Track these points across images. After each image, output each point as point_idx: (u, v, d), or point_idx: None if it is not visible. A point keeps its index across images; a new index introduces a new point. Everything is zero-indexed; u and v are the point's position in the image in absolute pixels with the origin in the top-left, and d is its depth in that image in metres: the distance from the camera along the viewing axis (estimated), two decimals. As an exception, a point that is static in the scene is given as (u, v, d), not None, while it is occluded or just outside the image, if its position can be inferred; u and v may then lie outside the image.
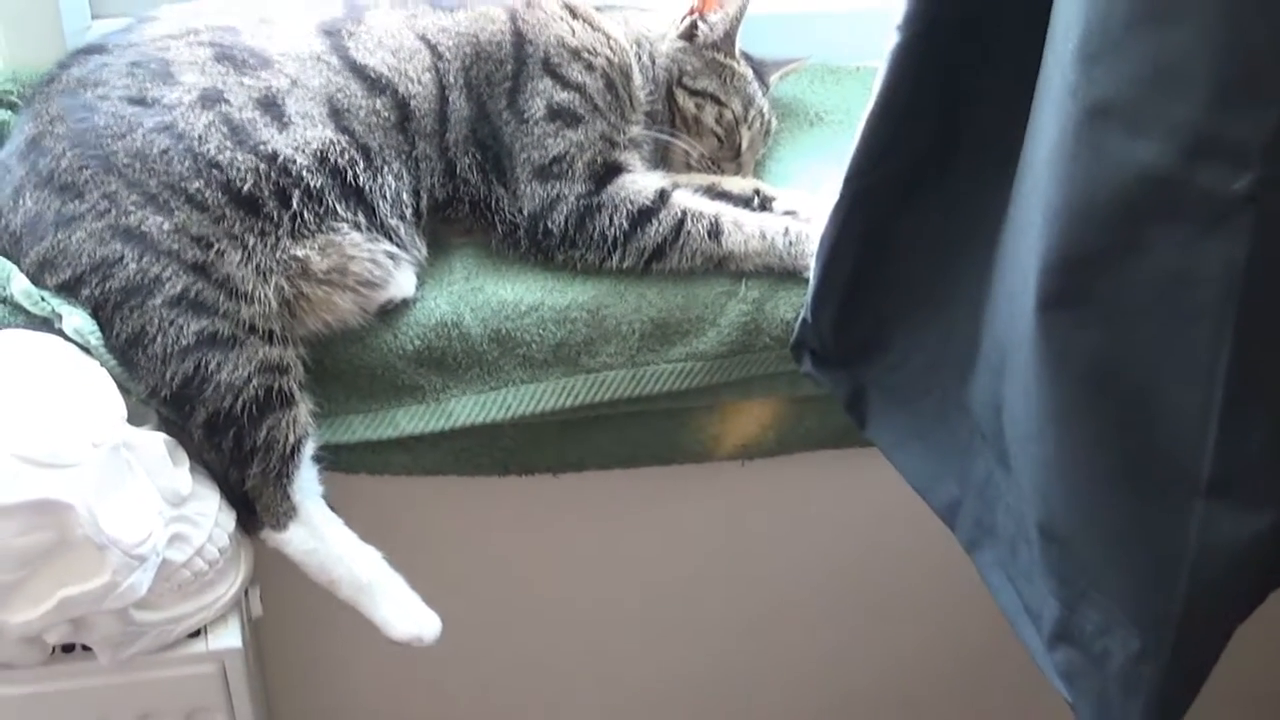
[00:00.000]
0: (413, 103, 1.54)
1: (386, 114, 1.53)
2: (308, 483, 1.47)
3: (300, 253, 1.45)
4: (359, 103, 1.51)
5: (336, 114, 1.49)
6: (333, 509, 1.48)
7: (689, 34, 1.73)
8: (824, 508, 1.85)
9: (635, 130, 1.65)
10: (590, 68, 1.62)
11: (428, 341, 1.54)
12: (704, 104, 1.70)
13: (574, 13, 1.67)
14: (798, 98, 1.88)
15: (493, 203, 1.59)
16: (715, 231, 1.58)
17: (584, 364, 1.57)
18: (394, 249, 1.53)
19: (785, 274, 1.60)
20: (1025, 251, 1.18)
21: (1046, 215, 1.12)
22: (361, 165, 1.49)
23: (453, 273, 1.60)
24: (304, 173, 1.45)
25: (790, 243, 1.58)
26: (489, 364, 1.56)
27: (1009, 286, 1.25)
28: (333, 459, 1.52)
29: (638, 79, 1.68)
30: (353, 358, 1.53)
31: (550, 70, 1.61)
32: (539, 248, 1.59)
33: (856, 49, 1.93)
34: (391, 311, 1.55)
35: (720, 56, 1.72)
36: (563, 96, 1.60)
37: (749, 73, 1.74)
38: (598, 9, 1.73)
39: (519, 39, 1.62)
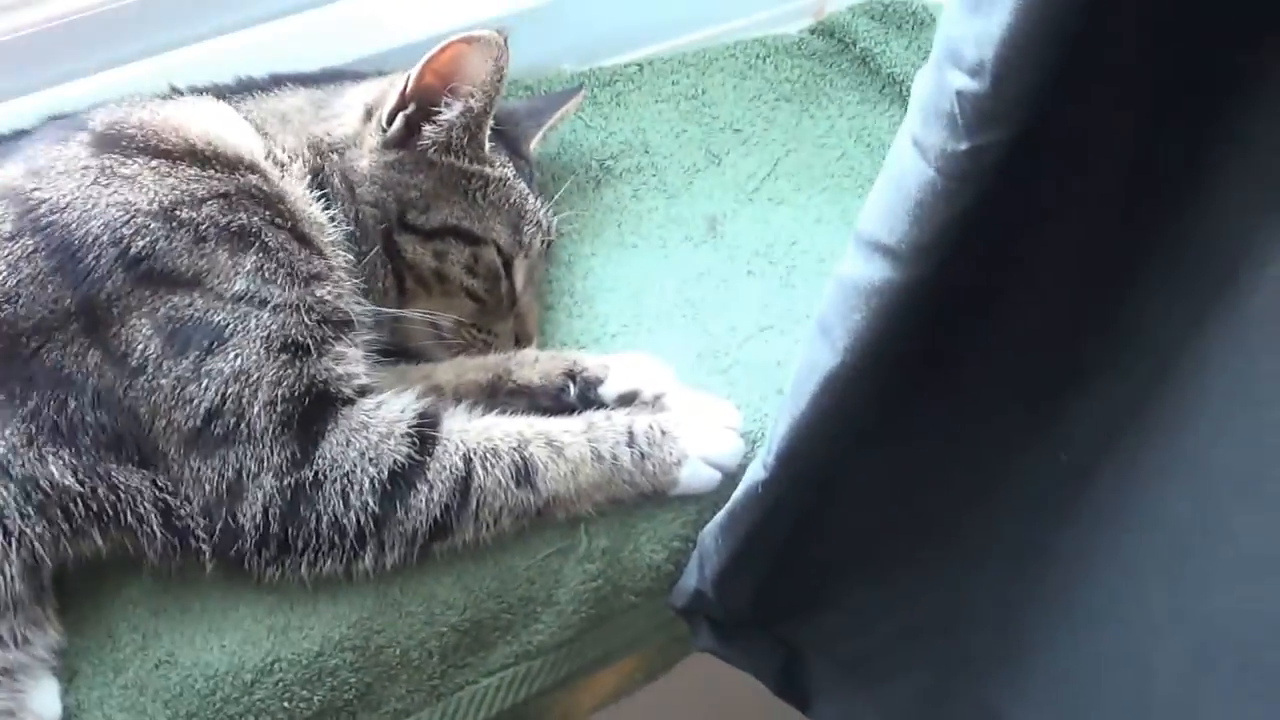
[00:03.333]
0: None
1: None
2: None
3: None
4: None
5: None
6: None
7: (402, 139, 1.04)
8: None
9: (330, 294, 0.99)
10: (204, 234, 0.95)
11: (108, 784, 0.93)
12: (447, 249, 1.06)
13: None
14: (564, 142, 1.23)
15: (122, 508, 0.92)
16: (524, 473, 0.99)
17: (366, 723, 1.00)
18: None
19: (640, 498, 1.03)
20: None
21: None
22: None
23: (117, 643, 0.96)
24: None
25: (640, 455, 1.01)
26: (215, 780, 0.97)
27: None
28: None
29: (314, 214, 1.01)
30: None
31: (135, 270, 0.92)
32: (233, 561, 0.95)
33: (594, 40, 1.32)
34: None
35: (463, 162, 1.06)
36: (176, 305, 0.92)
37: (509, 168, 1.08)
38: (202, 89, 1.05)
39: (52, 242, 0.92)
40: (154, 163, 0.97)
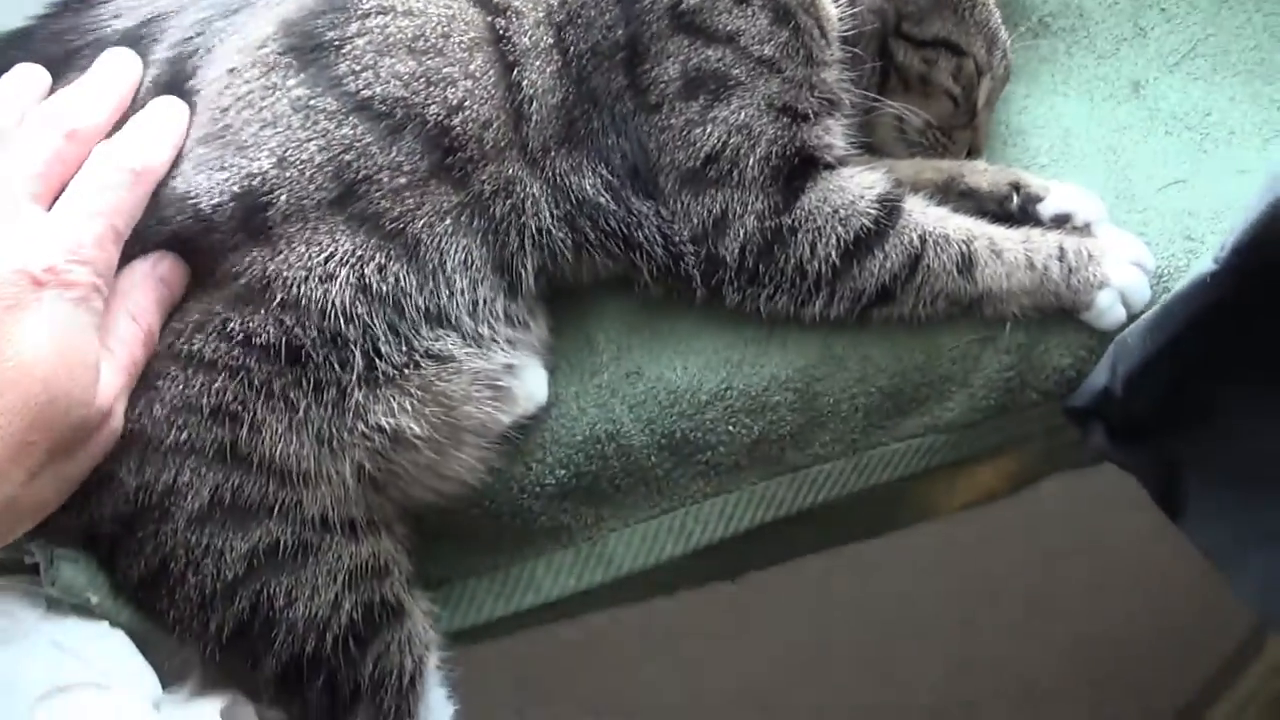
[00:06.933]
0: (457, 119, 0.97)
1: (417, 159, 0.96)
2: (435, 706, 1.01)
3: (387, 421, 0.93)
4: (378, 161, 0.94)
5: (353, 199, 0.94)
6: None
7: None
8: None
9: (830, 78, 1.09)
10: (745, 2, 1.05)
11: (575, 467, 1.06)
12: (936, 58, 1.16)
13: None
14: (1010, -2, 1.33)
15: (635, 229, 1.04)
16: (967, 264, 1.07)
17: (789, 460, 1.11)
18: (509, 356, 1.02)
19: (1058, 311, 1.11)
20: None
21: None
22: (414, 279, 0.96)
23: (595, 350, 1.09)
24: (340, 321, 0.93)
25: (1068, 270, 1.08)
26: (658, 481, 1.09)
27: None
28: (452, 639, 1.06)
29: (830, 10, 1.12)
30: (467, 507, 1.05)
31: (684, 23, 1.04)
32: (707, 284, 1.06)
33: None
34: (519, 429, 1.05)
35: None
36: (707, 57, 1.04)
37: None
38: None
39: None
40: None
